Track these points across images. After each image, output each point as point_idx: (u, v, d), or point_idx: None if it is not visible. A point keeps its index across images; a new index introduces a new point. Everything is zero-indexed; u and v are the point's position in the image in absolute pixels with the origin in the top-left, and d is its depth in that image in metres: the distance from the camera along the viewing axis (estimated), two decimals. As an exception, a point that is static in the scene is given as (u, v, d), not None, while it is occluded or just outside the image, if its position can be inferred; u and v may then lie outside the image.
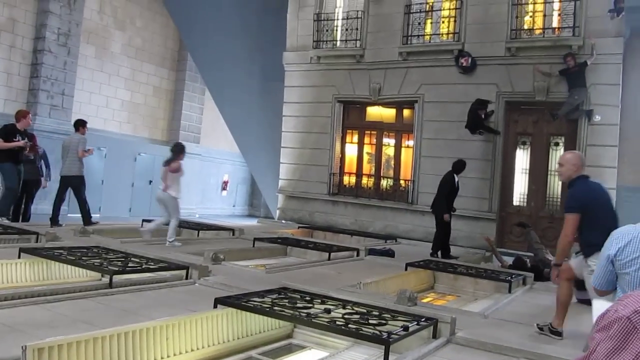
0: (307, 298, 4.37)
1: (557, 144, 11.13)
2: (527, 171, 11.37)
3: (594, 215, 4.42)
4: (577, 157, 4.79)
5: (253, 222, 14.69)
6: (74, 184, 9.53)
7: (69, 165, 9.48)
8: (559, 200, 10.93)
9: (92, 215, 9.99)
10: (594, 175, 10.05)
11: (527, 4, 11.30)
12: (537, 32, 11.16)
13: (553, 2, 11.07)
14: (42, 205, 12.81)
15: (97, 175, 16.42)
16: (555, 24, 11.04)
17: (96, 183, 16.36)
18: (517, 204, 11.42)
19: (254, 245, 8.52)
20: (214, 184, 19.92)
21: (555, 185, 11.02)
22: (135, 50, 17.76)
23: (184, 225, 10.50)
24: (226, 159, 20.04)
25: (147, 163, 16.92)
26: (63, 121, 15.30)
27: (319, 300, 4.30)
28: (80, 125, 9.75)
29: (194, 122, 19.30)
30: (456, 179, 9.36)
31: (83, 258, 5.39)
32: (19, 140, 8.94)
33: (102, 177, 16.44)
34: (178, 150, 8.50)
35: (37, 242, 7.02)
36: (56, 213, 9.44)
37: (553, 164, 11.09)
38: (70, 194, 10.01)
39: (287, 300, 4.22)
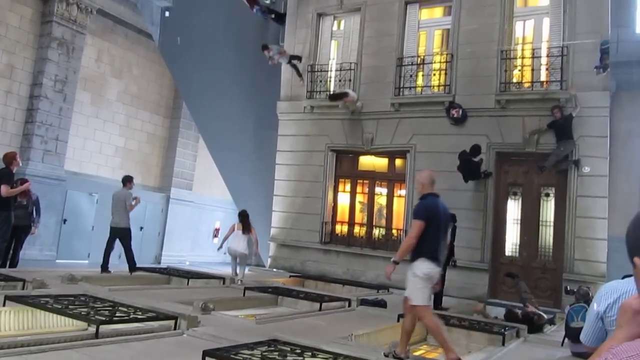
0: (298, 351, 4.29)
1: (547, 195, 11.22)
2: (519, 222, 11.41)
3: (431, 228, 5.24)
4: (427, 177, 5.62)
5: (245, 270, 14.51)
6: (121, 234, 10.22)
7: (118, 218, 10.25)
8: (551, 251, 10.93)
9: (81, 261, 9.98)
10: (585, 226, 10.16)
11: (516, 58, 11.59)
12: (526, 85, 11.41)
13: (541, 57, 11.36)
14: (30, 250, 12.66)
15: (88, 221, 16.30)
16: (543, 78, 11.30)
17: (86, 229, 16.23)
18: (510, 254, 11.40)
19: (244, 295, 8.41)
20: (205, 231, 19.79)
21: (547, 236, 11.05)
22: (131, 98, 17.96)
23: (173, 273, 10.38)
24: (218, 206, 19.99)
25: (138, 209, 16.74)
26: (56, 166, 15.31)
27: (310, 353, 4.23)
28: (127, 181, 10.57)
29: (187, 169, 19.36)
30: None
31: (69, 307, 5.29)
32: (19, 185, 9.02)
33: (93, 223, 16.33)
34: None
35: (23, 289, 6.90)
36: (106, 261, 10.10)
37: (544, 215, 11.15)
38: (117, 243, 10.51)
39: (277, 353, 4.14)
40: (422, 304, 5.14)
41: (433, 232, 5.25)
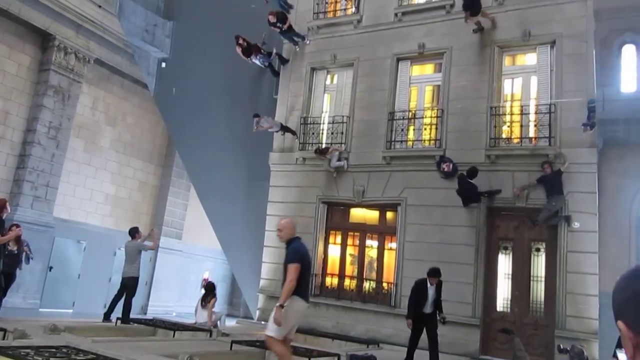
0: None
1: (538, 250, 11.21)
2: (510, 276, 11.35)
3: (302, 269, 5.93)
4: (291, 223, 6.30)
5: (232, 322, 14.25)
6: (130, 283, 10.57)
7: (128, 267, 10.67)
8: (542, 307, 10.84)
9: (65, 310, 9.85)
10: (576, 281, 10.12)
11: (505, 114, 11.80)
12: (515, 141, 11.57)
13: (529, 113, 11.59)
14: (13, 298, 12.40)
15: (74, 268, 16.07)
16: (532, 134, 11.48)
17: (72, 277, 15.97)
18: (501, 309, 11.28)
19: (231, 349, 8.21)
20: (193, 281, 19.53)
21: (539, 292, 10.97)
22: (124, 146, 18.05)
23: (159, 324, 10.17)
24: (207, 256, 19.80)
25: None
26: (44, 213, 15.20)
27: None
28: (135, 232, 11.06)
29: (177, 217, 19.27)
30: (429, 286, 8.85)
31: (50, 359, 5.14)
32: (10, 231, 8.96)
33: (79, 270, 16.09)
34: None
35: (4, 339, 6.71)
36: (111, 310, 10.43)
37: (535, 270, 11.12)
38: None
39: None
40: (275, 336, 5.80)
41: (304, 272, 6.01)
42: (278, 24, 13.14)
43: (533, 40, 11.58)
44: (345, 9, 13.85)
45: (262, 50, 13.52)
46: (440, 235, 11.47)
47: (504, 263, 11.51)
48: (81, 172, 16.83)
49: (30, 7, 15.00)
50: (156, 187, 19.07)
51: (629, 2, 18.18)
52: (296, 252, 6.02)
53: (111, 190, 17.68)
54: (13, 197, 14.57)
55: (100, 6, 16.50)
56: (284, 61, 14.14)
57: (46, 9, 15.32)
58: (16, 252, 9.85)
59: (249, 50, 13.51)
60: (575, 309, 10.23)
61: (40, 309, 14.37)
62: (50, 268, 15.36)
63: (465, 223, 11.40)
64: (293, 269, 5.85)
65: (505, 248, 11.53)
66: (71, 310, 15.31)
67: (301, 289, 5.97)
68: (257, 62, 14.05)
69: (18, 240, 9.75)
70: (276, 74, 14.32)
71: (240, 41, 13.33)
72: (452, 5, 12.27)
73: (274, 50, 13.87)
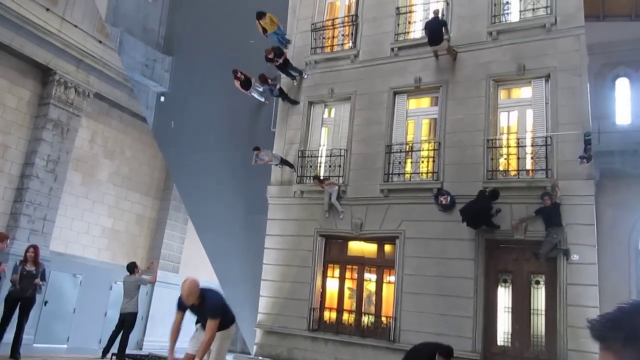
0: None
1: (537, 283, 11.13)
2: (510, 310, 11.23)
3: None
4: (195, 283, 6.53)
5: (229, 357, 14.02)
6: (128, 318, 10.72)
7: (127, 303, 10.84)
8: (544, 341, 10.70)
9: (59, 345, 9.75)
10: (577, 315, 10.02)
11: (502, 147, 11.88)
12: (512, 173, 11.62)
13: (526, 146, 11.66)
14: (6, 333, 12.20)
15: (70, 303, 15.88)
16: (529, 167, 11.53)
17: (67, 311, 15.76)
18: (502, 344, 11.13)
19: (227, 385, 8.05)
20: (190, 316, 19.26)
21: (539, 325, 10.85)
22: (122, 179, 18.07)
23: (155, 360, 10.03)
24: (205, 290, 19.59)
25: (122, 292, 16.46)
26: (41, 246, 15.02)
27: None
28: (134, 267, 11.23)
29: (174, 251, 19.15)
30: None
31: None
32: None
33: (74, 305, 15.90)
34: None
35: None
36: (110, 345, 10.75)
37: (535, 303, 11.01)
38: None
39: None
40: None
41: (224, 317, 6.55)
42: (275, 59, 13.33)
43: (528, 74, 11.73)
44: (342, 44, 14.06)
45: (269, 81, 13.61)
46: (439, 268, 11.40)
47: (504, 296, 11.41)
48: (78, 205, 16.78)
49: (33, 42, 15.20)
50: (153, 221, 19.01)
51: (620, 36, 18.52)
52: (219, 306, 6.53)
53: (108, 224, 17.61)
54: (10, 231, 14.49)
55: (101, 42, 16.72)
56: (284, 97, 14.17)
57: (48, 44, 15.52)
58: (34, 272, 9.69)
59: (248, 83, 13.68)
60: (577, 343, 10.10)
61: (34, 344, 14.13)
62: (45, 302, 15.17)
63: (464, 256, 11.34)
64: (213, 325, 6.29)
65: (505, 281, 11.45)
66: (65, 346, 15.08)
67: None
68: (256, 95, 14.22)
69: (36, 261, 9.66)
70: (285, 97, 14.19)
71: (239, 75, 13.52)
72: (447, 40, 12.46)
73: (279, 85, 13.96)
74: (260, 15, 13.48)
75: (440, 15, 12.14)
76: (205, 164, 14.98)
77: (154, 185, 19.15)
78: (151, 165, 18.98)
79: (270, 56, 13.31)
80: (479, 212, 11.01)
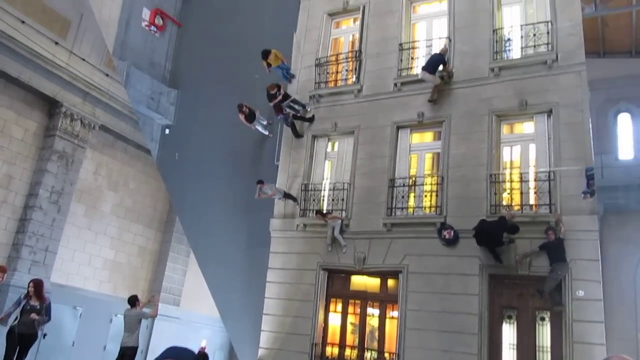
0: None
1: (543, 319, 10.98)
2: (515, 346, 11.05)
3: None
4: None
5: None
6: (128, 354, 10.69)
7: (127, 337, 10.80)
8: (550, 379, 10.50)
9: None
10: (583, 352, 9.85)
11: (505, 182, 11.86)
12: (516, 208, 11.55)
13: (529, 181, 11.66)
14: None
15: (69, 336, 15.72)
16: (532, 201, 11.50)
17: (67, 344, 15.59)
18: (507, 382, 10.93)
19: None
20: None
21: (545, 363, 10.67)
22: (125, 211, 18.09)
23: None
24: (205, 324, 19.40)
25: (122, 326, 16.29)
26: (42, 278, 15.01)
27: None
28: (135, 300, 11.23)
29: (176, 284, 19.04)
30: None
31: None
32: None
33: (74, 338, 15.73)
34: None
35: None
36: None
37: (540, 340, 10.85)
38: None
39: None
40: None
41: None
42: (277, 93, 13.50)
43: (530, 110, 11.81)
44: (346, 79, 14.21)
45: (284, 111, 13.65)
46: (443, 303, 11.27)
47: (509, 332, 11.24)
48: (81, 237, 16.78)
49: (41, 75, 15.44)
50: (155, 253, 18.95)
51: (621, 72, 18.74)
52: None
53: (110, 256, 17.56)
54: (11, 262, 14.46)
55: (107, 75, 16.97)
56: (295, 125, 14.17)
57: (56, 77, 15.76)
58: (38, 307, 9.58)
59: (252, 116, 13.80)
60: (584, 381, 9.92)
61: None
62: (44, 335, 15.00)
63: (468, 291, 11.22)
64: None
65: (509, 317, 11.30)
66: (63, 380, 14.87)
67: None
68: (260, 128, 14.33)
69: (40, 295, 9.54)
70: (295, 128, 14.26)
71: (244, 109, 13.66)
72: (450, 77, 12.60)
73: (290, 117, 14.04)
74: (266, 54, 13.71)
75: (444, 51, 12.32)
76: (208, 196, 15.01)
77: (157, 217, 19.15)
78: (154, 197, 19.02)
79: (273, 92, 13.46)
80: (491, 233, 10.92)
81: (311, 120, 14.04)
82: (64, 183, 15.93)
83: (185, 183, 15.60)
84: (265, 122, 14.49)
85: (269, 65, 13.88)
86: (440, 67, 12.38)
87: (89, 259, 16.96)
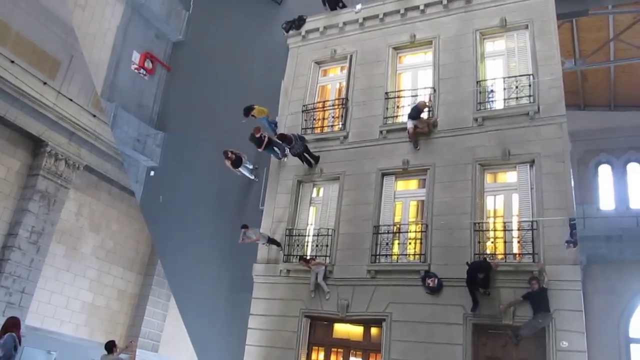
0: None
1: (527, 371, 10.85)
2: (500, 400, 10.87)
3: None
4: None
5: None
6: None
7: None
8: None
9: None
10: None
11: (488, 230, 11.91)
12: (499, 257, 11.55)
13: (512, 230, 11.71)
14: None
15: (41, 383, 15.18)
16: (515, 250, 11.52)
17: (38, 392, 15.04)
18: None
19: None
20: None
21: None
22: (106, 253, 17.83)
23: None
24: (184, 371, 18.88)
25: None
26: (16, 322, 14.61)
27: None
28: (112, 346, 10.99)
29: (155, 329, 18.60)
30: None
31: None
32: None
33: (46, 385, 15.19)
34: None
35: None
36: None
37: (525, 393, 10.68)
38: None
39: None
40: None
41: None
42: (262, 136, 13.62)
43: (513, 159, 11.98)
44: (332, 126, 14.37)
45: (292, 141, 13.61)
46: (427, 353, 11.11)
47: (493, 385, 11.06)
48: (59, 279, 16.43)
49: (27, 114, 15.43)
50: (135, 296, 18.59)
51: (601, 125, 19.22)
52: None
53: (88, 298, 17.17)
54: (-15, 303, 14.09)
55: (95, 116, 17.01)
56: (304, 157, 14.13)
57: (42, 117, 15.76)
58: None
59: (239, 161, 13.84)
60: None
61: None
62: (16, 381, 14.47)
63: (452, 340, 11.08)
64: None
65: (494, 368, 11.15)
66: None
67: None
68: (245, 173, 14.34)
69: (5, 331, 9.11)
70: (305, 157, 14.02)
71: (230, 155, 13.70)
72: (435, 125, 12.80)
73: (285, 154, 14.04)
74: (248, 111, 13.84)
75: (422, 106, 12.64)
76: (191, 240, 14.86)
77: (139, 259, 18.88)
78: (137, 239, 18.79)
79: (258, 135, 13.58)
80: (483, 268, 10.93)
81: (317, 159, 14.01)
82: (45, 223, 15.71)
83: (168, 226, 15.45)
84: (251, 167, 14.54)
85: (253, 116, 14.01)
86: (424, 116, 12.67)
87: (67, 301, 16.57)
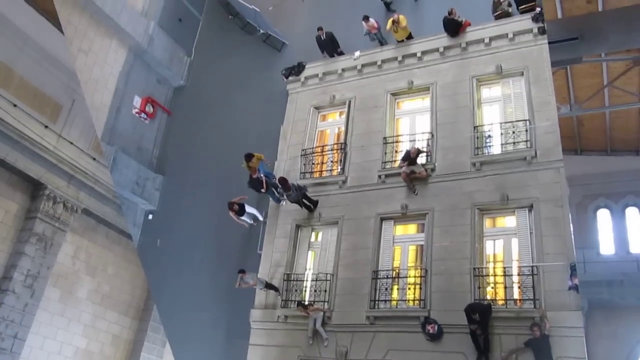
0: None
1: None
2: None
3: None
4: None
5: None
6: None
7: None
8: None
9: None
10: None
11: (488, 275, 11.82)
12: (500, 303, 11.44)
13: (512, 275, 11.62)
14: None
15: None
16: (516, 296, 11.41)
17: None
18: None
19: None
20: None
21: None
22: (102, 297, 17.62)
23: None
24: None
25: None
26: (7, 368, 14.30)
27: None
28: None
29: (149, 375, 18.19)
30: None
31: None
32: None
33: None
34: None
35: None
36: None
37: None
38: None
39: None
40: None
41: None
42: (260, 177, 13.66)
43: (511, 204, 12.00)
44: (331, 170, 14.43)
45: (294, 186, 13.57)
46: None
47: None
48: (53, 324, 16.15)
49: (27, 157, 15.47)
50: (130, 342, 18.23)
51: (598, 169, 19.31)
52: None
53: (82, 344, 16.84)
54: (-24, 349, 13.80)
55: (94, 159, 17.07)
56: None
57: (42, 159, 15.80)
58: None
59: (242, 210, 13.74)
60: None
61: None
62: None
63: (454, 389, 10.86)
64: None
65: (496, 418, 10.87)
66: None
67: None
68: (247, 220, 14.18)
69: None
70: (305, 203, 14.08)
71: (234, 207, 13.51)
72: (433, 170, 12.88)
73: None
74: (249, 157, 13.81)
75: (415, 153, 12.79)
76: (188, 284, 14.71)
77: (134, 304, 18.61)
78: (133, 283, 18.58)
79: (255, 176, 13.60)
80: (477, 308, 10.83)
81: (316, 203, 14.00)
82: (41, 267, 15.55)
83: (165, 270, 15.32)
84: (253, 211, 14.37)
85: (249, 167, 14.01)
86: (421, 161, 12.77)
87: (60, 347, 16.24)
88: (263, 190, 13.83)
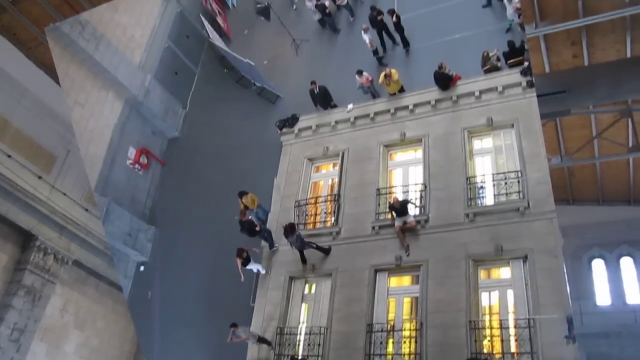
0: None
1: None
2: None
3: None
4: None
5: None
6: None
7: None
8: None
9: None
10: None
11: (484, 328, 11.65)
12: (497, 356, 11.26)
13: (508, 327, 11.46)
14: None
15: None
16: (513, 349, 11.23)
17: None
18: None
19: None
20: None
21: None
22: (90, 351, 17.20)
23: None
24: None
25: None
26: None
27: None
28: None
29: None
30: None
31: None
32: None
33: None
34: None
35: None
36: None
37: None
38: None
39: None
40: None
41: None
42: (251, 219, 13.74)
43: (506, 255, 11.94)
44: (324, 221, 14.40)
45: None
46: None
47: None
48: (38, 380, 15.68)
49: (19, 208, 15.40)
50: (118, 399, 17.70)
51: (591, 219, 19.37)
52: None
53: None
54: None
55: (87, 210, 17.00)
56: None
57: (34, 210, 15.73)
58: None
59: (248, 261, 13.64)
60: None
61: None
62: None
63: None
64: None
65: None
66: None
67: None
68: (253, 268, 13.96)
69: None
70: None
71: (244, 254, 13.43)
72: (426, 221, 12.88)
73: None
74: (243, 194, 13.94)
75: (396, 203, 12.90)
76: (179, 338, 14.38)
77: (123, 359, 18.14)
78: (122, 337, 18.19)
79: (244, 219, 13.57)
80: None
81: (328, 251, 13.76)
82: (28, 320, 15.24)
83: (155, 324, 15.00)
84: (257, 267, 14.16)
85: (245, 207, 14.02)
86: (412, 212, 12.80)
87: (44, 405, 15.72)
88: (257, 229, 13.77)
